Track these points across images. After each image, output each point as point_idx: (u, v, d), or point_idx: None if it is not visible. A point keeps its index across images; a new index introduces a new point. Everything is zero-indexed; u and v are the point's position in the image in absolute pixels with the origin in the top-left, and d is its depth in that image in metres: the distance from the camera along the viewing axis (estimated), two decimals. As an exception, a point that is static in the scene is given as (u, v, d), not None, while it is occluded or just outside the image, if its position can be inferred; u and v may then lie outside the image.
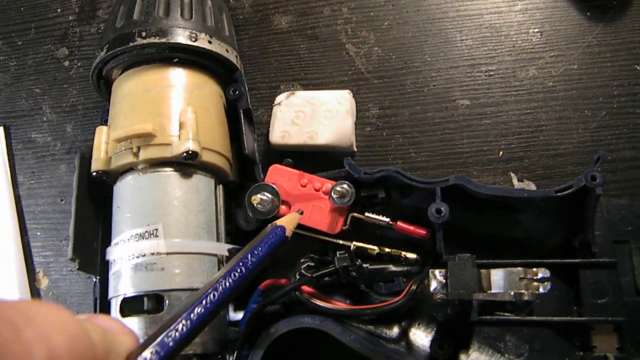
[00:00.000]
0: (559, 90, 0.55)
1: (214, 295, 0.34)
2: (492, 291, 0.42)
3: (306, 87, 0.59)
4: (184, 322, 0.31)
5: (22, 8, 0.69)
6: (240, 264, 0.37)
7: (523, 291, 0.41)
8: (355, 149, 0.55)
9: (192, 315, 0.32)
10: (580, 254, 0.46)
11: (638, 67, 0.54)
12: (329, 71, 0.59)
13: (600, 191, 0.43)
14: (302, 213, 0.47)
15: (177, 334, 0.30)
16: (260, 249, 0.38)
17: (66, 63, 0.66)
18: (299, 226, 0.49)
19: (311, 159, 0.54)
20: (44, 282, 0.61)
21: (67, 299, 0.60)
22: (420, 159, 0.55)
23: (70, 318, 0.23)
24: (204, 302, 0.33)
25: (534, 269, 0.42)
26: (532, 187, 0.53)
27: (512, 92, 0.55)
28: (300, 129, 0.53)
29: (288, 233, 0.41)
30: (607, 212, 0.47)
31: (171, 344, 0.29)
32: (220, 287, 0.34)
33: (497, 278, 0.42)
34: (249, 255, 0.38)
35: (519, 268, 0.42)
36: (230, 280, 0.35)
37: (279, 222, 0.42)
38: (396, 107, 0.57)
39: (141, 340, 0.30)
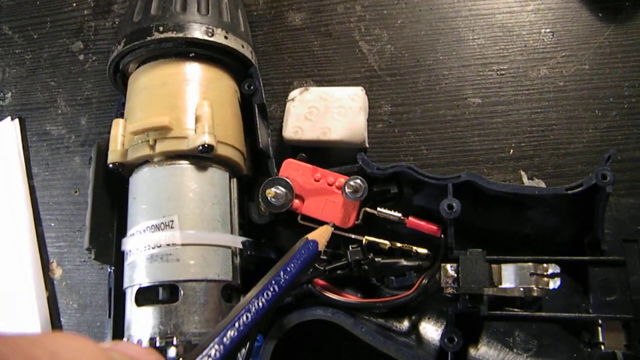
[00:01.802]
0: (569, 90, 0.55)
1: (246, 317, 0.32)
2: (503, 286, 0.42)
3: (319, 83, 0.59)
4: (216, 347, 0.30)
5: (38, 2, 0.70)
6: (273, 282, 0.35)
7: (533, 286, 0.42)
8: (367, 145, 0.56)
9: (224, 339, 0.30)
10: (589, 252, 0.47)
11: (649, 68, 0.55)
12: (342, 68, 0.59)
13: (610, 189, 0.44)
14: (333, 226, 0.48)
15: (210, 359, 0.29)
16: (292, 265, 0.37)
17: (81, 57, 0.67)
18: (311, 220, 0.50)
19: (323, 154, 0.55)
20: (57, 272, 0.61)
21: (80, 289, 0.61)
22: (432, 156, 0.56)
23: (96, 350, 0.23)
24: (236, 324, 0.31)
25: (544, 265, 0.42)
26: (542, 185, 0.53)
27: (523, 91, 0.56)
28: (313, 124, 0.54)
29: (321, 247, 0.40)
30: (617, 211, 0.47)
31: None
32: (253, 308, 0.33)
33: (508, 273, 0.42)
34: (282, 273, 0.36)
35: (530, 264, 0.42)
36: (263, 300, 0.34)
37: (310, 236, 0.41)
38: (408, 104, 0.57)
39: None
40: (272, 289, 0.35)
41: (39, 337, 0.22)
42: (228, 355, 0.30)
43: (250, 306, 0.33)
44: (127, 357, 0.25)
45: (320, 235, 0.43)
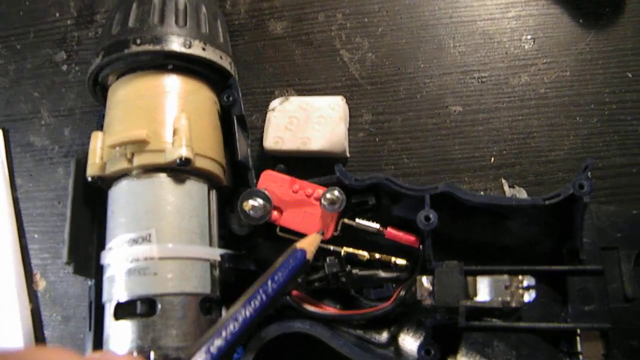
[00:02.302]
0: (550, 97, 0.55)
1: (234, 327, 0.32)
2: (478, 299, 0.42)
3: (300, 92, 0.59)
4: (204, 356, 0.30)
5: (21, 12, 0.69)
6: (261, 291, 0.35)
7: (508, 299, 0.42)
8: (348, 155, 0.56)
9: (211, 349, 0.30)
10: (568, 261, 0.47)
11: (629, 75, 0.54)
12: (323, 77, 0.59)
13: (588, 199, 0.44)
14: (322, 234, 0.47)
15: None
16: (280, 274, 0.37)
17: (64, 67, 0.67)
18: (290, 231, 0.49)
19: (304, 164, 0.55)
20: (41, 285, 0.61)
21: (64, 301, 0.60)
22: (413, 164, 0.56)
23: None
24: (223, 334, 0.32)
25: (520, 277, 0.42)
26: (523, 193, 0.53)
27: (505, 98, 0.56)
28: (293, 134, 0.54)
29: (309, 256, 0.40)
30: (597, 219, 0.47)
31: None
32: (240, 317, 0.33)
33: (483, 286, 0.42)
34: (269, 282, 0.36)
35: (505, 276, 0.42)
36: (251, 309, 0.34)
37: (299, 244, 0.41)
38: (389, 113, 0.57)
39: None
40: (259, 298, 0.35)
41: (26, 351, 0.24)
42: None
43: (238, 315, 0.33)
44: None
45: (309, 244, 0.43)
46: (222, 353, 0.31)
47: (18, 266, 0.61)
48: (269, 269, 0.38)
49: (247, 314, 0.34)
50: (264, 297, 0.35)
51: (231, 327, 0.32)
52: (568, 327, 0.44)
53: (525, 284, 0.41)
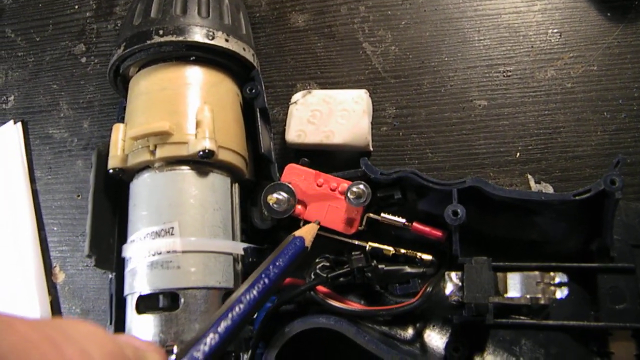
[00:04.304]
0: (577, 92, 0.54)
1: (239, 308, 0.35)
2: (509, 295, 0.41)
3: (322, 85, 0.58)
4: (212, 335, 0.32)
5: (40, 4, 0.69)
6: (263, 275, 0.38)
7: (539, 295, 0.41)
8: (371, 149, 0.55)
9: (219, 328, 0.32)
10: (598, 258, 0.46)
11: (659, 69, 0.53)
12: (345, 70, 0.58)
13: (620, 195, 0.43)
14: (319, 223, 0.47)
15: (207, 347, 0.31)
16: (281, 260, 0.39)
17: (83, 59, 0.66)
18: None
19: (327, 158, 0.54)
20: (60, 277, 0.61)
21: (83, 294, 0.60)
22: (437, 159, 0.55)
23: (106, 335, 0.24)
24: (230, 315, 0.34)
25: (552, 273, 0.41)
26: (550, 189, 0.52)
27: (530, 93, 0.55)
28: (316, 128, 0.53)
29: (307, 243, 0.42)
30: (626, 216, 0.46)
31: (200, 358, 0.30)
32: (245, 300, 0.35)
33: (514, 282, 0.41)
34: (271, 267, 0.38)
35: (536, 272, 0.41)
36: (255, 292, 0.36)
37: (297, 233, 0.43)
38: (413, 107, 0.56)
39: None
40: (262, 282, 0.37)
41: (54, 320, 0.25)
42: (223, 343, 0.32)
43: (243, 298, 0.36)
44: (132, 346, 0.27)
45: (307, 232, 0.44)
46: (229, 332, 0.33)
47: (37, 259, 0.61)
48: (270, 256, 0.40)
49: (251, 296, 0.36)
50: (266, 281, 0.37)
51: (237, 309, 0.34)
52: (599, 326, 0.43)
53: (557, 280, 0.40)
